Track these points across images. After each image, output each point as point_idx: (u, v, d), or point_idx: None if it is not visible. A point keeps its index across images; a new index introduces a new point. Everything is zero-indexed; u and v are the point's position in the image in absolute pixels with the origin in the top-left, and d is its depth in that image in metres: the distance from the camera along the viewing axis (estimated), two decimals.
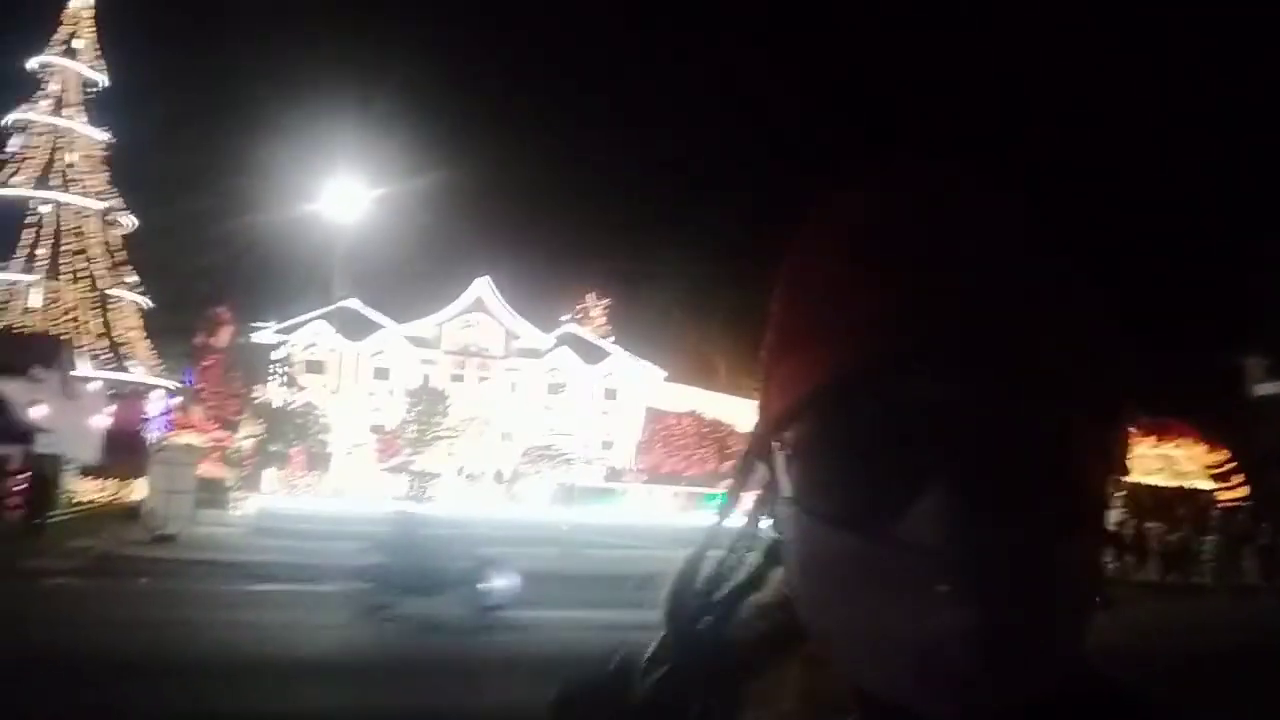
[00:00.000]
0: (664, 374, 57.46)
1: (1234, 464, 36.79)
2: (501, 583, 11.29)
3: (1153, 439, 37.86)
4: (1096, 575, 0.49)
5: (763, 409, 0.53)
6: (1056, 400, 0.46)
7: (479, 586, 11.15)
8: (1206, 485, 34.90)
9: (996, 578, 0.45)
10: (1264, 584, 22.65)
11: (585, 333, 59.48)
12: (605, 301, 62.72)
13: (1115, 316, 0.52)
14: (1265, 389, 41.91)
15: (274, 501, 25.64)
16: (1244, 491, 35.96)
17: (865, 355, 0.46)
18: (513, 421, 51.65)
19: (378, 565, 11.50)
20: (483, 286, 55.67)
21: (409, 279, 55.33)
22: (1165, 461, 35.72)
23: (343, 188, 35.32)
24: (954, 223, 0.49)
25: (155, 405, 40.64)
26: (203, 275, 55.81)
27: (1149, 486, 33.33)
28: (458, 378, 51.60)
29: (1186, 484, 34.41)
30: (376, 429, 42.08)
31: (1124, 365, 0.52)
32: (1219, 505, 32.17)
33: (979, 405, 0.45)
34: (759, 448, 0.54)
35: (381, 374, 49.34)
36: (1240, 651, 10.30)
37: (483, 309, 55.18)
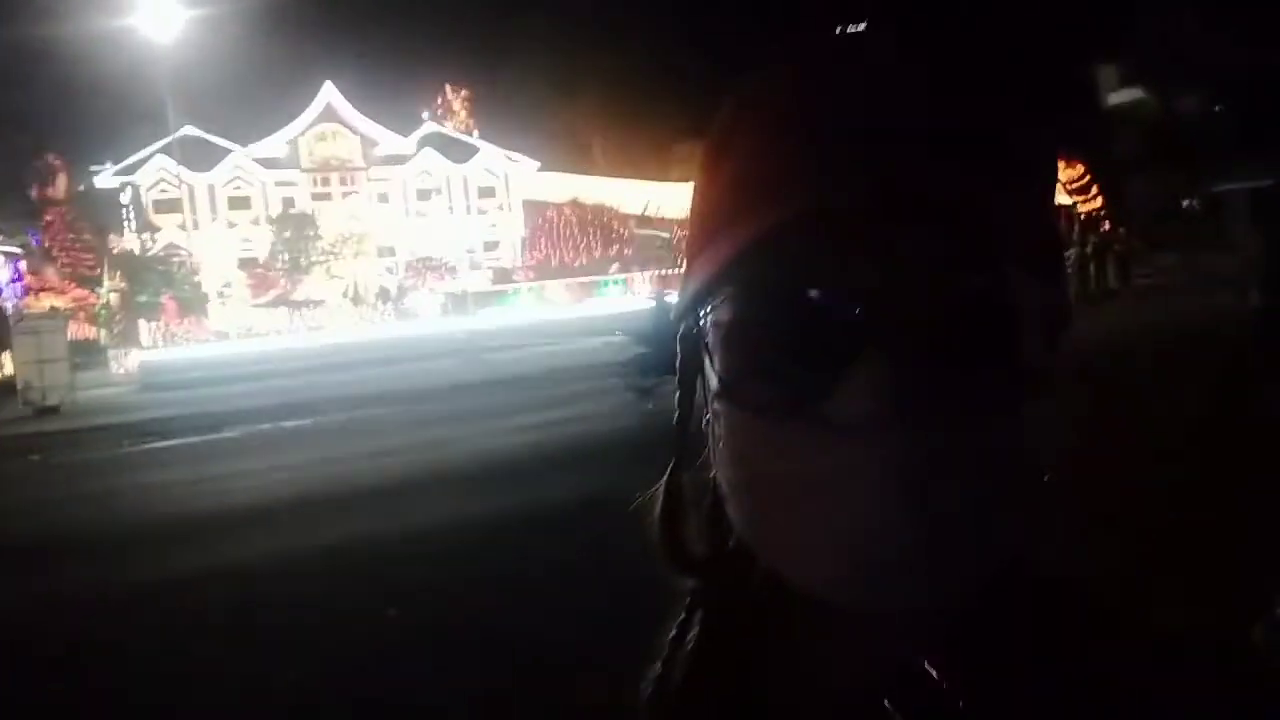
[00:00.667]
0: (538, 164, 55.96)
1: (1090, 176, 38.51)
2: None
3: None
4: (1043, 455, 0.47)
5: (683, 293, 0.50)
6: (986, 257, 0.43)
7: None
8: (1065, 200, 36.58)
9: (931, 457, 0.43)
10: (1123, 287, 24.34)
11: (449, 130, 56.94)
12: (465, 93, 59.70)
13: (1043, 154, 0.49)
14: (1119, 97, 43.18)
15: (155, 355, 24.68)
16: (1100, 202, 37.93)
17: (780, 218, 0.43)
18: (389, 235, 50.12)
19: (638, 354, 11.87)
20: (330, 93, 52.22)
21: (247, 97, 51.35)
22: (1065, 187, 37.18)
23: (157, 2, 31.92)
24: (863, 89, 0.47)
25: (2, 272, 37.88)
26: (18, 119, 50.71)
27: (1067, 209, 34.89)
28: (322, 196, 49.23)
29: (1089, 207, 36.16)
30: (247, 264, 40.28)
31: (1054, 215, 0.49)
32: (1080, 217, 33.93)
33: (905, 271, 0.43)
34: (685, 333, 0.52)
35: (239, 203, 46.64)
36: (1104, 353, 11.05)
37: (335, 118, 52.04)
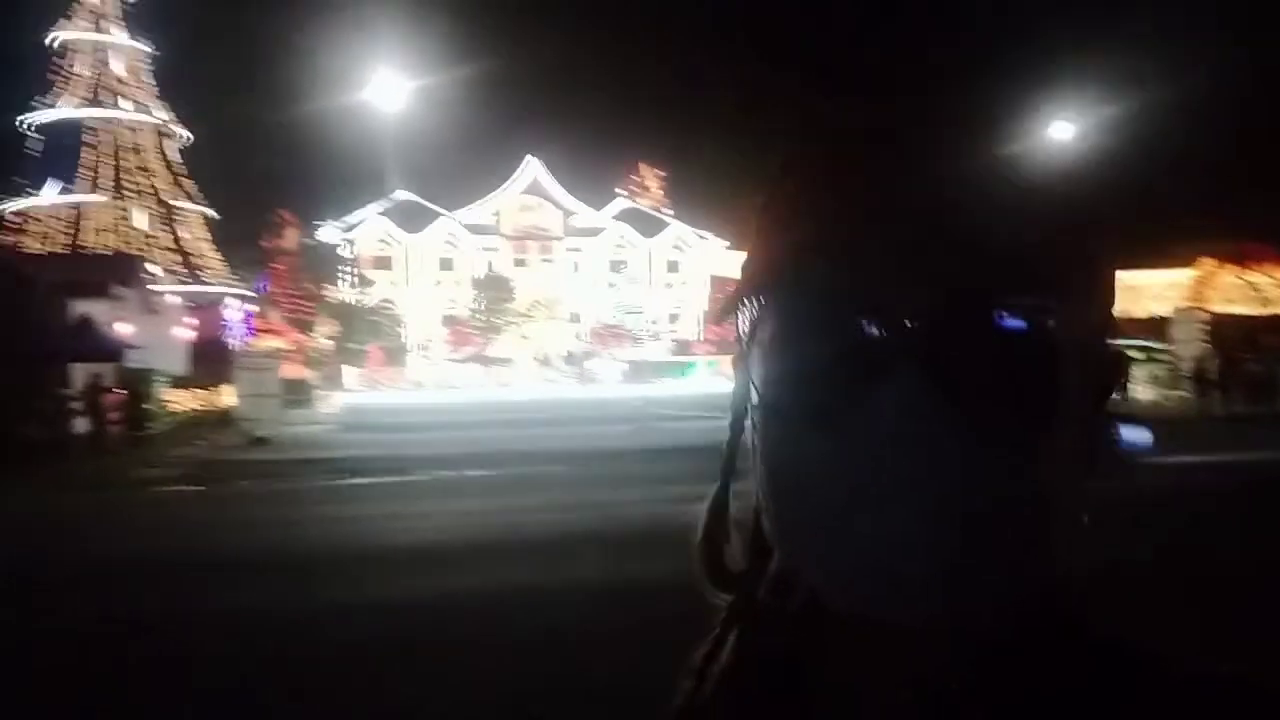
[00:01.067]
0: (726, 242, 56.87)
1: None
2: (1133, 435, 11.68)
3: (1235, 267, 36.43)
4: (1077, 483, 0.48)
5: (730, 308, 0.53)
6: (1030, 285, 0.45)
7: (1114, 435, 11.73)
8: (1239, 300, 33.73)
9: (960, 473, 0.44)
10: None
11: (642, 205, 58.90)
12: (659, 171, 61.75)
13: (1094, 192, 0.50)
14: None
15: (357, 398, 26.50)
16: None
17: (818, 234, 0.47)
18: (579, 301, 51.94)
19: None
20: (534, 166, 55.19)
21: (460, 166, 55.04)
22: (1249, 290, 34.54)
23: (389, 78, 35.01)
24: (913, 139, 0.49)
25: (233, 313, 41.78)
26: (262, 179, 56.38)
27: (1232, 316, 32.34)
28: (520, 262, 51.85)
29: (1272, 311, 33.33)
30: (447, 320, 42.78)
31: (1105, 244, 0.50)
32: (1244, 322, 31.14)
33: (939, 287, 0.44)
34: (745, 353, 0.53)
35: (445, 264, 49.78)
36: None
37: (537, 190, 54.87)
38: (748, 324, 0.52)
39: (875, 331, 0.45)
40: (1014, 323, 0.45)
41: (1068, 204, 0.48)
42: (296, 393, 28.95)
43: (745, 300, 0.51)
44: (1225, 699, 0.48)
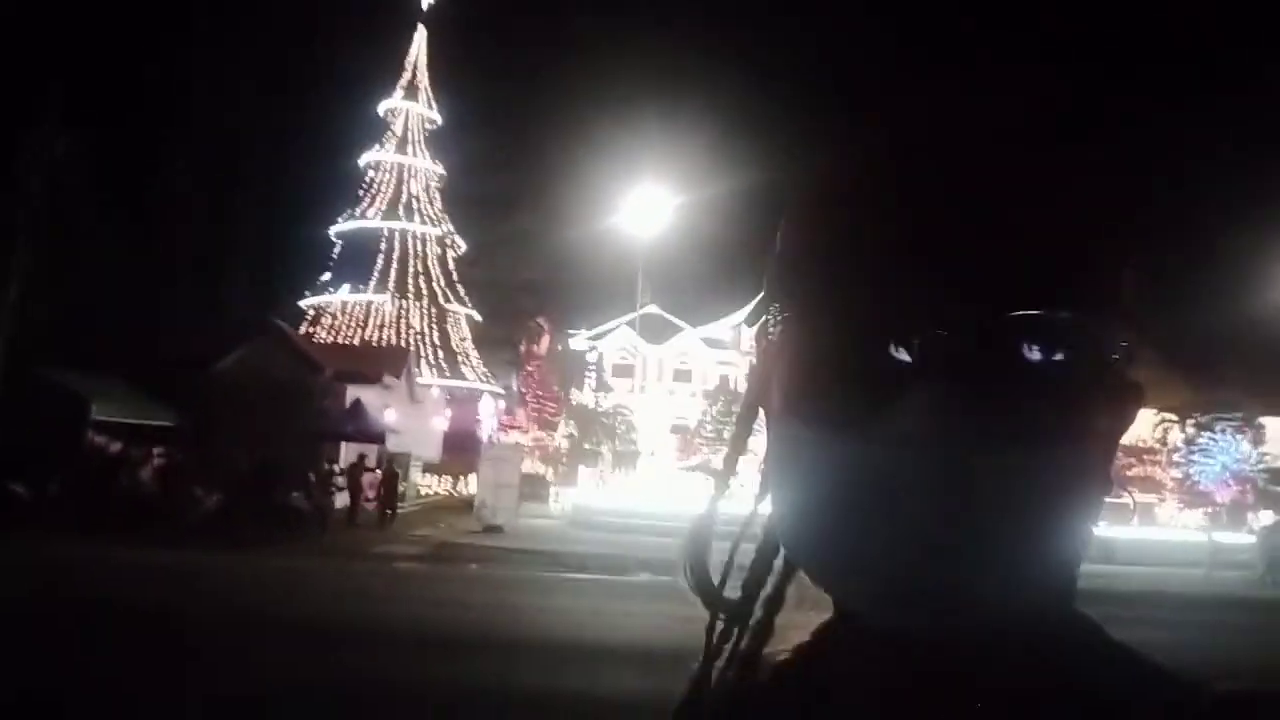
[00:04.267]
0: None
1: None
2: None
3: None
4: (1085, 513, 0.48)
5: (764, 329, 0.54)
6: (1052, 301, 0.45)
7: None
8: None
9: (976, 475, 0.44)
10: None
11: None
12: None
13: (1123, 216, 0.50)
14: None
15: (587, 497, 27.22)
16: None
17: (844, 245, 0.47)
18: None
19: None
20: None
21: (706, 283, 56.65)
22: None
23: (645, 199, 36.90)
24: (948, 158, 0.49)
25: (486, 408, 44.54)
26: (524, 289, 60.50)
27: None
28: None
29: None
30: (678, 429, 43.49)
31: (1128, 270, 0.50)
32: None
33: (970, 303, 0.45)
34: (760, 368, 0.55)
35: (682, 375, 50.86)
36: None
37: None
38: (767, 342, 0.53)
39: (901, 355, 0.45)
40: (1040, 337, 0.45)
41: (1090, 232, 0.48)
42: (534, 487, 30.13)
43: (769, 314, 0.51)
44: (1230, 709, 0.47)
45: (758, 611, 0.60)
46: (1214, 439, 32.39)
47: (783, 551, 0.59)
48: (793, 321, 0.50)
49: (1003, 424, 0.44)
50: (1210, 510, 29.24)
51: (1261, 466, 33.21)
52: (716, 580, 0.60)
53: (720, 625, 0.61)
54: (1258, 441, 33.41)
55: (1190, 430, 32.56)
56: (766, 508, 0.57)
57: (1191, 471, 32.24)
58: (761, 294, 0.54)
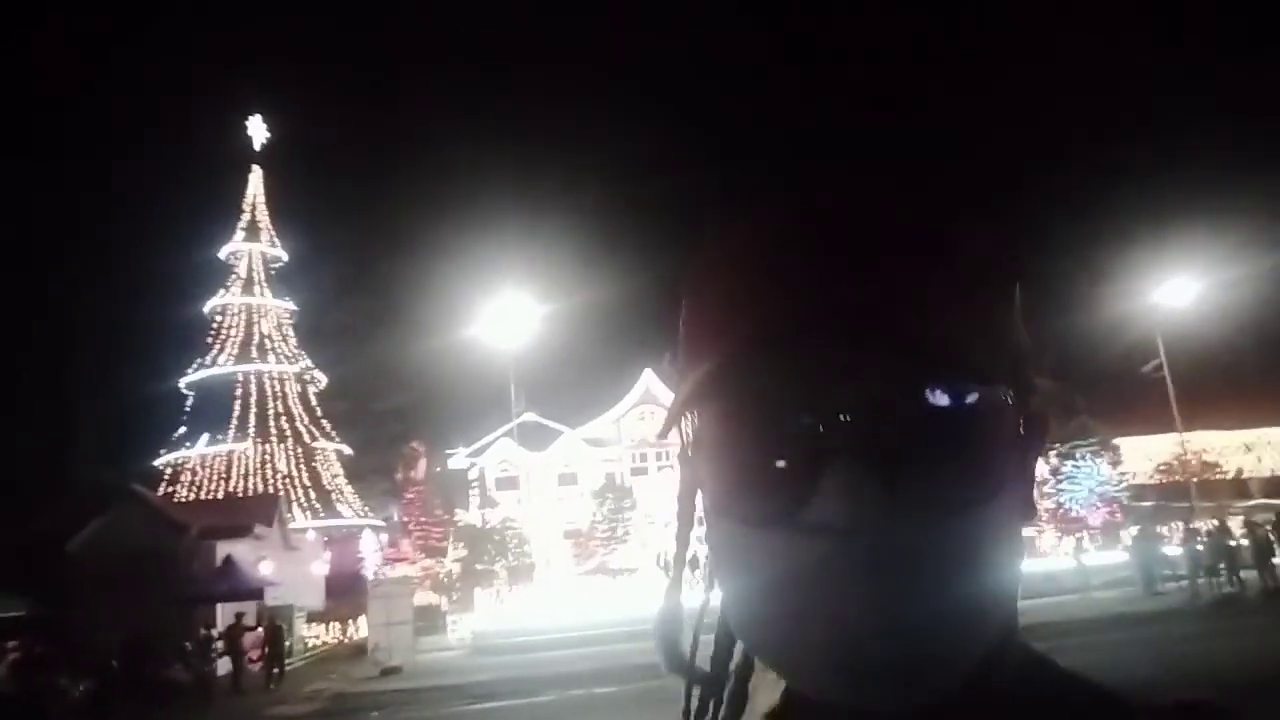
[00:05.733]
0: None
1: None
2: None
3: None
4: (1014, 553, 0.49)
5: (672, 421, 0.53)
6: (948, 370, 0.46)
7: None
8: None
9: (898, 553, 0.44)
10: None
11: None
12: None
13: (1011, 277, 0.51)
14: None
15: (486, 621, 26.36)
16: None
17: (749, 335, 0.47)
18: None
19: None
20: (649, 378, 56.50)
21: (580, 384, 56.87)
22: None
23: (509, 309, 37.01)
24: (833, 228, 0.50)
25: (367, 544, 42.89)
26: (393, 414, 59.20)
27: None
28: (639, 470, 52.14)
29: None
30: (570, 533, 42.93)
31: (1022, 339, 0.51)
32: None
33: (870, 380, 0.46)
34: (683, 463, 0.56)
35: (567, 479, 50.50)
36: None
37: (653, 400, 55.89)
38: (690, 430, 0.53)
39: (813, 424, 0.46)
40: (942, 401, 0.46)
41: (983, 275, 0.49)
42: (429, 618, 29.02)
43: (686, 408, 0.51)
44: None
45: (730, 680, 0.62)
46: (1077, 466, 34.11)
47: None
48: (707, 424, 0.50)
49: (916, 494, 0.45)
50: (1082, 534, 30.56)
51: (1123, 485, 35.11)
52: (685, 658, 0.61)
53: (696, 700, 0.62)
54: (1115, 462, 35.37)
55: (1054, 460, 34.20)
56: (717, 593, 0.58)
57: (1062, 500, 33.75)
58: (675, 398, 0.53)
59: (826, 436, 0.46)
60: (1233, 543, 21.82)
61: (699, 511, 0.57)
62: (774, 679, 0.59)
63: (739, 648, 0.61)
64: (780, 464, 0.47)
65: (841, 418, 0.46)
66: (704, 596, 0.61)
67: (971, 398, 0.47)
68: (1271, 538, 21.97)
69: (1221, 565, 21.21)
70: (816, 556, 0.45)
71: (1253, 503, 35.18)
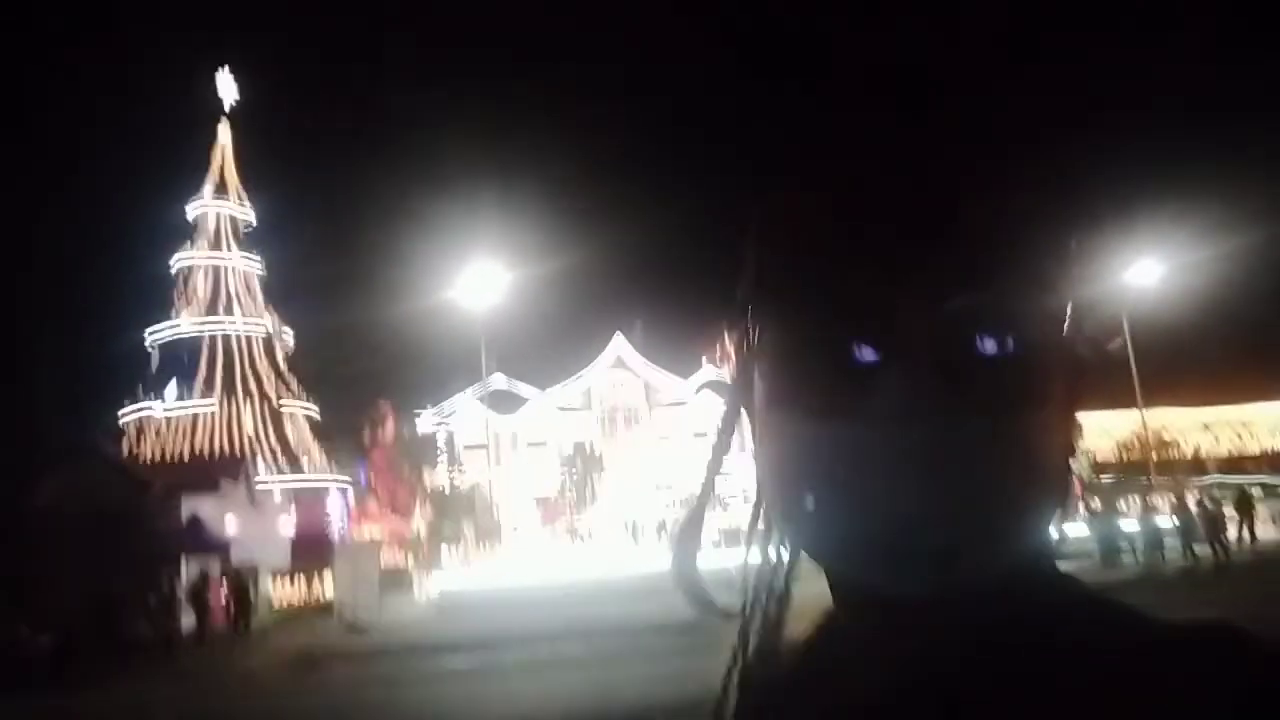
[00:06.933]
0: None
1: None
2: None
3: None
4: (1060, 466, 0.52)
5: (740, 334, 0.58)
6: (997, 275, 0.49)
7: None
8: None
9: (962, 449, 0.47)
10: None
11: (726, 375, 59.42)
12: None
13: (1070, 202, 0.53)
14: None
15: (452, 580, 26.48)
16: None
17: (824, 240, 0.51)
18: (666, 472, 51.86)
19: None
20: (620, 344, 56.52)
21: (549, 348, 56.78)
22: None
23: (480, 273, 36.80)
24: (891, 144, 0.54)
25: (334, 504, 42.83)
26: (361, 376, 58.85)
27: None
28: (608, 436, 52.37)
29: None
30: (540, 499, 43.11)
31: (1075, 247, 0.53)
32: None
33: (941, 279, 0.49)
34: (742, 374, 0.58)
35: (536, 444, 50.60)
36: None
37: (623, 366, 55.99)
38: (743, 338, 0.57)
39: (881, 321, 0.49)
40: (1008, 306, 0.49)
41: (1043, 210, 0.52)
42: (395, 579, 29.08)
43: (745, 312, 0.56)
44: (1216, 648, 0.48)
45: (771, 608, 0.63)
46: None
47: (785, 548, 0.62)
48: (771, 329, 0.54)
49: (976, 393, 0.48)
50: None
51: (1083, 461, 35.79)
52: (738, 588, 0.63)
53: (737, 627, 0.63)
54: (1077, 437, 36.02)
55: None
56: (762, 515, 0.61)
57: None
58: (739, 303, 0.57)
59: (894, 332, 0.49)
60: (1188, 518, 22.35)
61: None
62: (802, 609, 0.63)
63: (778, 576, 0.63)
64: (849, 357, 0.50)
65: (910, 315, 0.48)
66: (750, 514, 0.63)
67: (1035, 307, 0.50)
68: (1224, 513, 22.53)
69: (1172, 540, 21.74)
70: (878, 446, 0.48)
71: (1209, 479, 36.00)
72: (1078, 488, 33.90)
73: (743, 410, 0.59)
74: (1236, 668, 0.47)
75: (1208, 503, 23.16)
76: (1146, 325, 37.09)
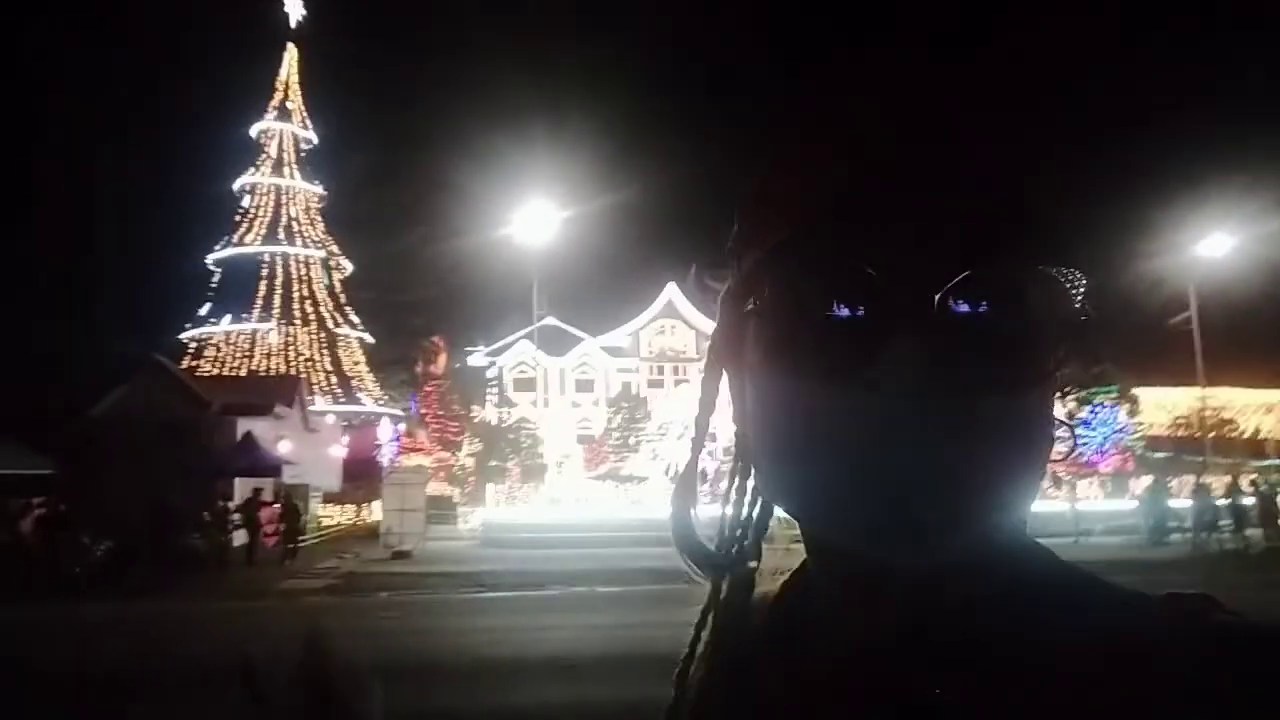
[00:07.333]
0: None
1: None
2: None
3: None
4: (1049, 432, 0.51)
5: (731, 289, 0.56)
6: (1012, 248, 0.48)
7: None
8: None
9: (957, 420, 0.47)
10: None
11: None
12: None
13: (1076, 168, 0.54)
14: None
15: (496, 514, 26.90)
16: None
17: (825, 201, 0.49)
18: (713, 421, 51.89)
19: None
20: (672, 291, 56.31)
21: (602, 292, 56.83)
22: None
23: (536, 211, 36.72)
24: (900, 97, 0.51)
25: (384, 432, 43.60)
26: (416, 308, 59.50)
27: None
28: (656, 383, 52.44)
29: None
30: (584, 439, 43.44)
31: (1079, 222, 0.52)
32: None
33: (945, 247, 0.47)
34: (730, 332, 0.57)
35: (584, 386, 50.91)
36: None
37: (674, 314, 55.85)
38: (736, 292, 0.55)
39: (885, 286, 0.48)
40: (1011, 275, 0.48)
41: (1034, 182, 0.50)
42: (440, 509, 29.64)
43: (742, 264, 0.54)
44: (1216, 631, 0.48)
45: (745, 563, 0.64)
46: (1094, 412, 34.05)
47: (760, 502, 0.63)
48: (774, 286, 0.51)
49: (975, 365, 0.47)
50: (1081, 481, 30.66)
51: (1138, 435, 35.08)
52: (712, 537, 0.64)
53: (709, 580, 0.65)
54: (1133, 412, 35.28)
55: (1071, 405, 34.14)
56: (743, 466, 0.62)
57: (1076, 445, 33.70)
58: (728, 247, 0.56)
59: (897, 300, 0.47)
60: (1242, 500, 21.86)
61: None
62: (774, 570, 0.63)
63: (753, 530, 0.64)
64: (850, 320, 0.49)
65: (913, 282, 0.47)
66: (731, 467, 0.64)
67: (1036, 279, 0.49)
68: (1278, 497, 21.99)
69: (1228, 522, 21.30)
70: (873, 412, 0.47)
71: (1267, 462, 35.13)
72: (1131, 463, 33.32)
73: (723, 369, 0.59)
74: (1208, 642, 0.47)
75: (1264, 486, 22.62)
76: (1216, 301, 35.97)
